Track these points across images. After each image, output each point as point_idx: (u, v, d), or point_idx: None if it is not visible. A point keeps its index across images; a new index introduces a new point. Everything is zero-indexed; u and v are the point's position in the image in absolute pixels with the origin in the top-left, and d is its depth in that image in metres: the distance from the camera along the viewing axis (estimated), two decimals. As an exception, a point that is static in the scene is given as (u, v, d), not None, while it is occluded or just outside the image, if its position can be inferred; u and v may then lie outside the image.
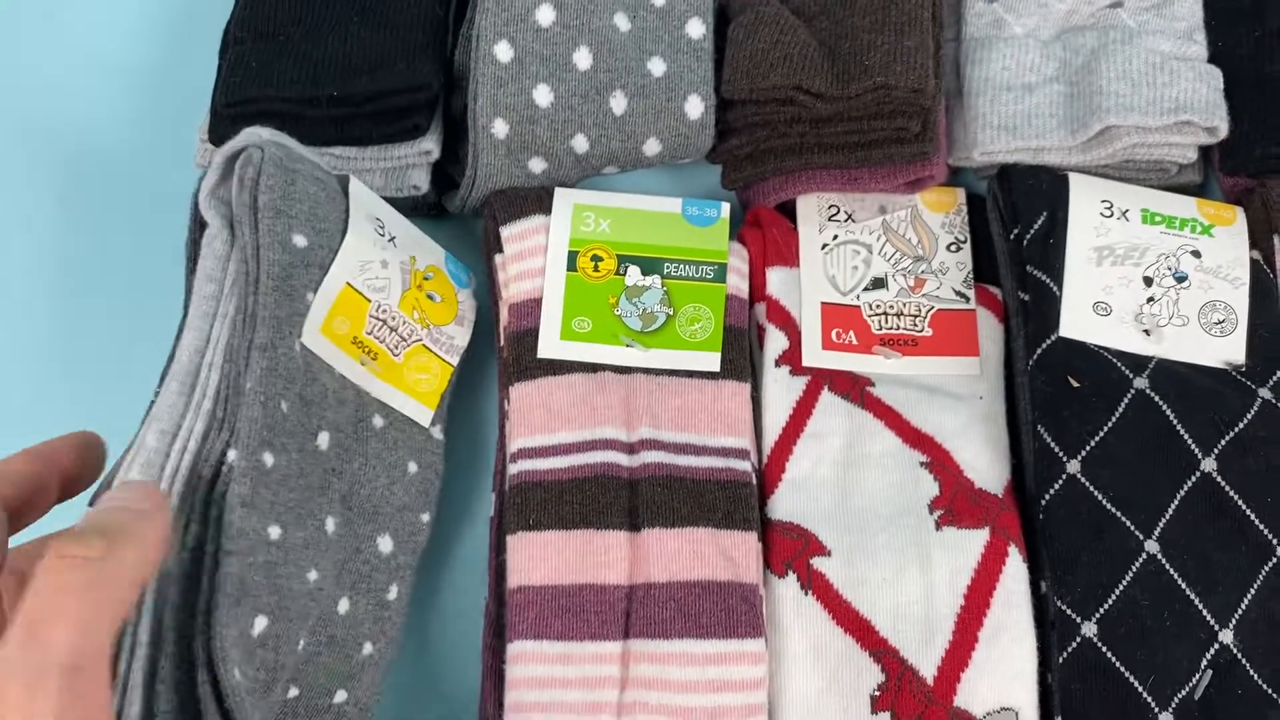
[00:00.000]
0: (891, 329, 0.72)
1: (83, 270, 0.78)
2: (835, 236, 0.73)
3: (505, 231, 0.70)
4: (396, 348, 0.65)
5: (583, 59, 0.70)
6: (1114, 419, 0.66)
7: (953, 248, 0.74)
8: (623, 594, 0.63)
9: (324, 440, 0.61)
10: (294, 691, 0.59)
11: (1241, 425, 0.65)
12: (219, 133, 0.71)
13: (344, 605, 0.61)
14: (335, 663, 0.60)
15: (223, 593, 0.54)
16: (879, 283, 0.73)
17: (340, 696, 0.60)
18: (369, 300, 0.64)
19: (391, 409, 0.65)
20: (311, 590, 0.59)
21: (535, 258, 0.70)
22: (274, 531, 0.58)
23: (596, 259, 0.70)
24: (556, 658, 0.62)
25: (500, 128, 0.70)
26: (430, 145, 0.72)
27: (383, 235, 0.66)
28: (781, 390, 0.70)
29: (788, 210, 0.75)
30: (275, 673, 0.57)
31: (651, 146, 0.72)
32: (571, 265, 0.70)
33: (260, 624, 0.56)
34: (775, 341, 0.71)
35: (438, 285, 0.67)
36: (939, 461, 0.67)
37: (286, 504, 0.58)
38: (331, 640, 0.60)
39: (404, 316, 0.65)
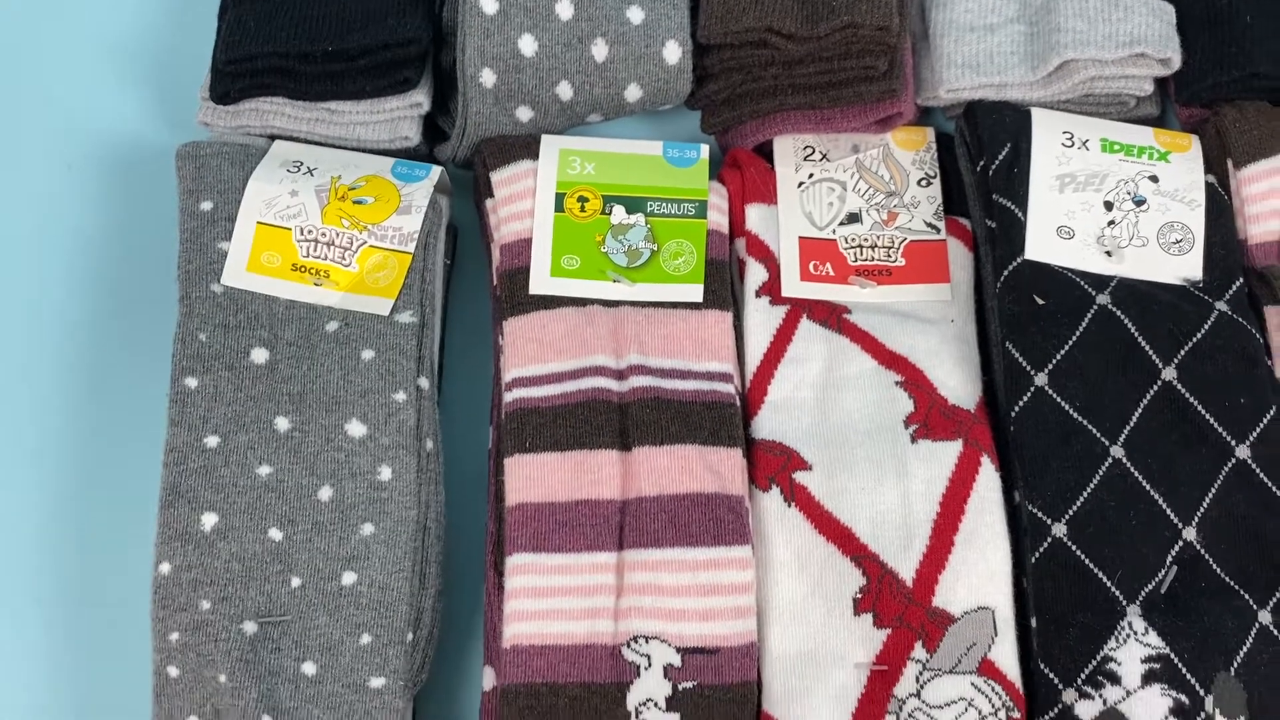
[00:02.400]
0: (866, 260, 0.75)
1: (90, 233, 0.81)
2: (811, 175, 0.77)
3: (495, 176, 0.74)
4: (344, 258, 0.71)
5: (564, 9, 0.73)
6: (1078, 333, 0.69)
7: (923, 183, 0.77)
8: (616, 508, 0.67)
9: (260, 356, 0.69)
10: (296, 581, 0.64)
11: (1199, 336, 0.69)
12: (220, 89, 0.75)
13: (325, 493, 0.66)
14: (330, 547, 0.65)
15: (160, 501, 0.66)
16: (854, 217, 0.76)
17: (349, 579, 0.65)
18: (288, 229, 0.71)
19: (348, 311, 0.70)
20: (266, 483, 0.66)
21: (524, 200, 0.73)
22: (211, 440, 0.67)
23: (583, 200, 0.73)
24: (554, 569, 0.66)
25: (488, 77, 0.73)
26: (420, 98, 0.76)
27: (295, 172, 0.73)
28: (762, 319, 0.73)
29: (765, 152, 0.78)
30: (251, 562, 0.64)
31: (633, 92, 0.75)
32: (559, 206, 0.73)
33: (209, 520, 0.65)
34: (755, 274, 0.74)
35: (370, 190, 0.73)
36: (913, 380, 0.71)
37: (223, 416, 0.67)
38: (318, 526, 0.65)
39: (334, 229, 0.71)
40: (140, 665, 0.66)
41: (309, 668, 0.64)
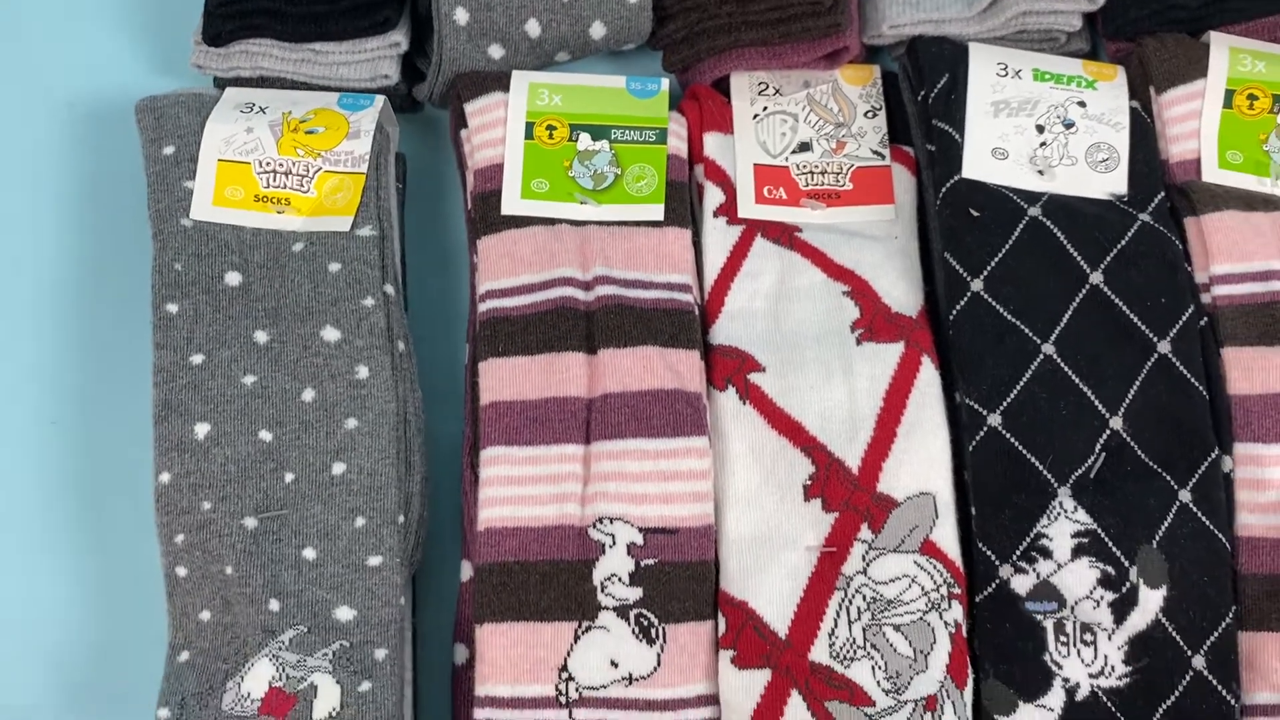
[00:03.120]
0: (816, 185, 0.80)
1: (84, 176, 0.86)
2: (765, 108, 0.82)
3: (469, 108, 0.79)
4: (302, 185, 0.76)
5: (533, -51, 0.79)
6: (1011, 242, 0.74)
7: (869, 114, 0.82)
8: (583, 405, 0.72)
9: (234, 279, 0.74)
10: (289, 476, 0.69)
11: (1123, 243, 0.74)
12: (212, 31, 0.80)
13: (308, 394, 0.71)
14: (318, 442, 0.70)
15: (154, 417, 0.72)
16: (805, 146, 0.81)
17: (339, 469, 0.69)
18: (248, 163, 0.76)
19: (311, 232, 0.75)
20: (252, 390, 0.71)
21: (496, 129, 0.78)
22: (197, 358, 0.71)
23: (551, 128, 0.78)
24: (526, 459, 0.70)
25: (461, 15, 0.79)
26: (399, 38, 0.81)
27: (248, 112, 0.78)
28: (719, 237, 0.78)
29: (723, 90, 0.84)
30: (245, 463, 0.69)
31: (597, 30, 0.80)
32: (529, 134, 0.78)
33: (202, 429, 0.70)
34: (713, 196, 0.79)
35: (320, 121, 0.78)
36: (859, 290, 0.76)
37: (205, 335, 0.72)
38: (305, 425, 0.70)
39: (290, 159, 0.77)
40: (152, 570, 0.71)
41: (309, 553, 0.68)
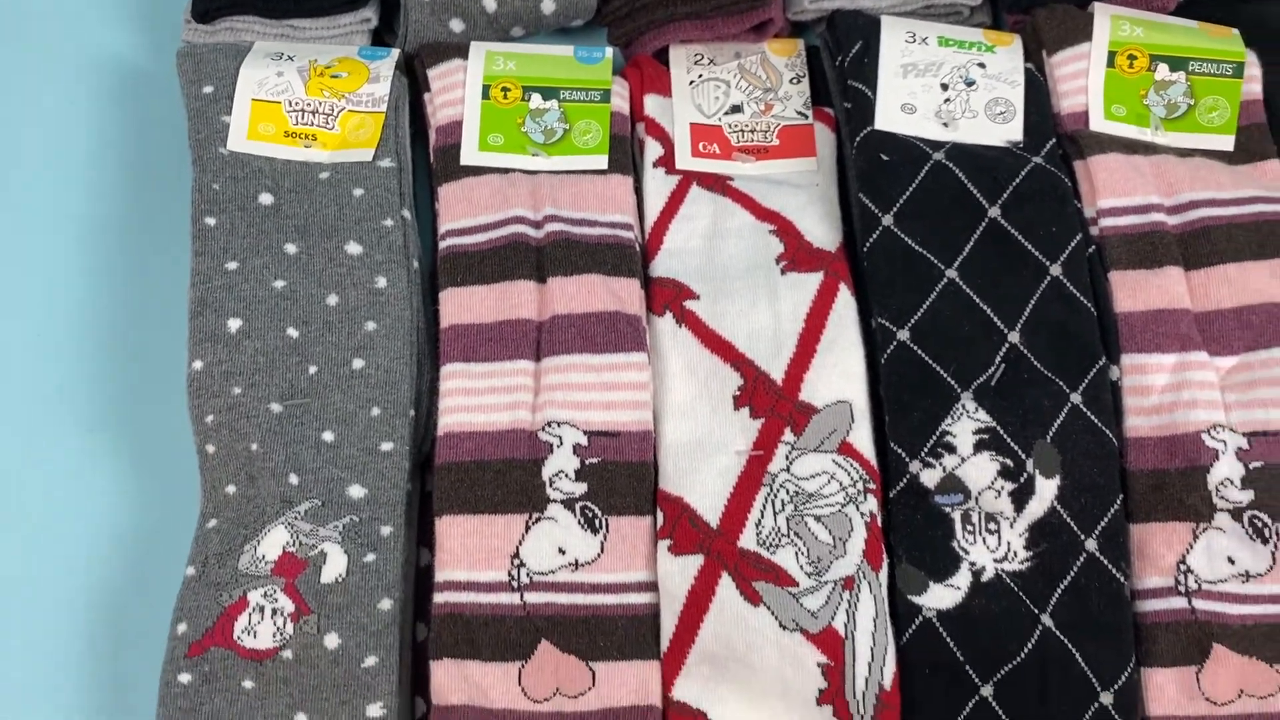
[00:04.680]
0: (747, 141, 0.89)
1: (97, 147, 0.93)
2: (700, 75, 0.91)
3: (431, 72, 0.87)
4: (327, 123, 0.85)
5: (488, -70, 0.88)
6: (917, 182, 0.83)
7: (794, 81, 0.91)
8: (533, 326, 0.79)
9: (266, 199, 0.82)
10: (313, 369, 0.77)
11: (1018, 181, 0.82)
12: (200, 7, 0.89)
13: (332, 299, 0.79)
14: (340, 340, 0.77)
15: (189, 312, 0.77)
16: (736, 108, 0.90)
17: (359, 364, 0.77)
18: (278, 102, 0.85)
19: (337, 163, 0.83)
20: (282, 292, 0.78)
21: (456, 90, 0.87)
22: (232, 265, 0.79)
23: (505, 90, 0.87)
24: (481, 374, 0.78)
25: (424, -10, 0.88)
26: (369, 14, 0.90)
27: (278, 60, 0.87)
28: (658, 185, 0.86)
29: (663, 61, 0.92)
30: (273, 355, 0.77)
31: (547, 5, 0.89)
32: (485, 95, 0.87)
33: (234, 324, 0.77)
34: (653, 149, 0.87)
35: (343, 66, 0.87)
36: (784, 229, 0.84)
37: (240, 245, 0.80)
38: (328, 325, 0.78)
39: (317, 100, 0.85)
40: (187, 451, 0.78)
41: (328, 435, 0.76)
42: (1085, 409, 0.77)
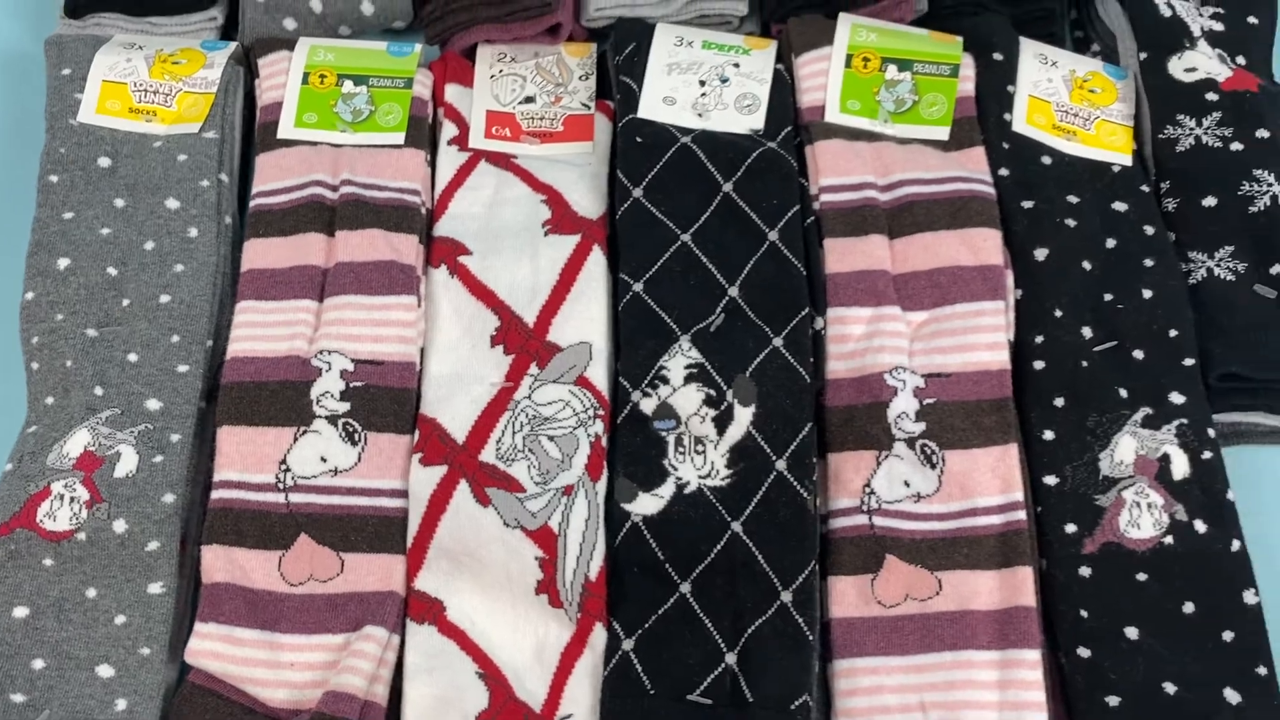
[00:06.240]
0: (535, 127, 1.02)
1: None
2: (501, 70, 1.04)
3: (261, 61, 1.02)
4: (166, 101, 0.99)
5: (311, -62, 1.03)
6: (664, 160, 0.96)
7: (583, 78, 1.04)
8: (319, 272, 0.92)
9: (105, 162, 0.95)
10: (126, 301, 0.90)
11: (749, 161, 0.95)
12: (70, 5, 1.03)
13: (149, 245, 0.92)
14: (152, 279, 0.91)
15: (28, 252, 0.91)
16: (530, 99, 1.03)
17: (165, 299, 0.90)
18: (125, 83, 0.99)
19: (170, 135, 0.97)
20: (107, 238, 0.92)
21: (280, 77, 1.01)
22: (68, 215, 0.93)
23: (323, 76, 1.01)
24: (270, 310, 0.91)
25: (259, -8, 1.02)
26: (216, 13, 1.04)
27: (130, 49, 1.01)
28: (450, 159, 0.99)
29: (472, 59, 1.06)
30: (93, 289, 0.90)
31: (367, 7, 1.03)
32: (305, 81, 1.00)
33: (63, 262, 0.91)
34: (449, 130, 1.01)
35: (184, 55, 1.01)
36: (554, 200, 0.97)
37: (77, 199, 0.93)
38: (143, 266, 0.92)
39: (158, 81, 0.99)
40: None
41: (133, 356, 0.89)
42: (784, 350, 0.89)
